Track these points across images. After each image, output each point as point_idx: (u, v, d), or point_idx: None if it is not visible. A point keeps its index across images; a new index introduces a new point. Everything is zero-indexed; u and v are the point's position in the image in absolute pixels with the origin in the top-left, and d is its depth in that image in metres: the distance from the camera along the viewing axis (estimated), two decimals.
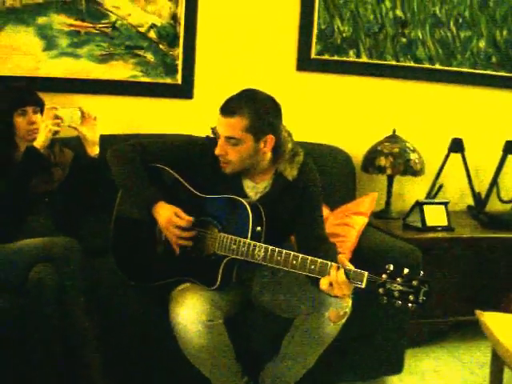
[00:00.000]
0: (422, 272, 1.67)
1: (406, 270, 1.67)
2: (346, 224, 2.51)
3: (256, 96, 1.95)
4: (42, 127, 2.12)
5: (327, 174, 2.76)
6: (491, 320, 2.13)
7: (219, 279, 1.93)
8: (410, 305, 1.65)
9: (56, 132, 2.14)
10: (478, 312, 2.18)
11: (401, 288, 1.66)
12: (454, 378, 2.61)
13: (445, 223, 2.83)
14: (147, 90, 2.77)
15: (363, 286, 1.70)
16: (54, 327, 1.88)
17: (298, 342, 2.00)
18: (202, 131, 2.39)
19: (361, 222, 2.55)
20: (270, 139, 1.96)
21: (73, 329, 1.92)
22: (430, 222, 2.80)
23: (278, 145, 2.01)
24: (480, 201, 3.20)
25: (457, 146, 3.14)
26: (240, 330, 2.08)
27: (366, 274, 1.70)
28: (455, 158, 3.16)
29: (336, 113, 3.09)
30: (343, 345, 2.10)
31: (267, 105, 1.95)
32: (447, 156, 3.14)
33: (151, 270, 2.08)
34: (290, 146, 2.07)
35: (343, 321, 1.96)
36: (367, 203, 2.64)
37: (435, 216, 2.82)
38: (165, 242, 2.02)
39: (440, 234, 2.78)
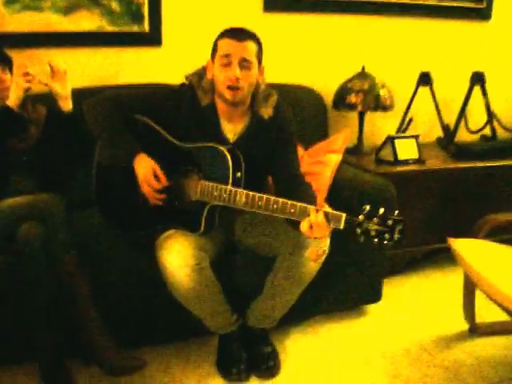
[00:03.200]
0: (396, 211, 1.75)
1: (381, 210, 1.74)
2: (321, 162, 2.57)
3: None
4: (13, 86, 2.11)
5: (299, 114, 2.80)
6: (462, 246, 2.24)
7: (203, 224, 1.99)
8: (385, 242, 1.74)
9: (28, 89, 2.13)
10: (449, 239, 2.29)
11: (377, 227, 1.73)
12: (429, 302, 2.76)
13: (416, 156, 2.91)
14: (114, 39, 2.74)
15: (341, 227, 1.78)
16: (45, 283, 1.93)
17: (281, 281, 2.09)
18: (173, 78, 2.44)
19: (335, 159, 2.60)
20: (263, 69, 2.05)
21: (64, 284, 1.98)
22: (401, 156, 2.88)
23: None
24: (449, 132, 3.28)
25: (425, 79, 3.18)
26: (226, 271, 2.16)
27: (344, 215, 1.77)
28: (424, 91, 3.21)
29: (305, 52, 3.10)
30: (323, 278, 2.19)
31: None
32: (416, 90, 3.19)
33: (135, 218, 2.13)
34: (263, 86, 2.10)
35: (322, 259, 2.05)
36: (340, 140, 2.70)
37: (406, 149, 2.90)
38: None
39: (411, 167, 2.86)
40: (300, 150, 2.65)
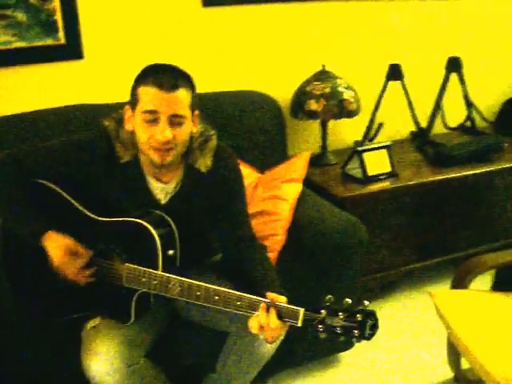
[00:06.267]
0: (366, 302, 1.42)
1: (347, 301, 1.42)
2: (277, 197, 2.19)
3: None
4: None
5: (251, 126, 2.43)
6: (442, 301, 1.91)
7: (133, 314, 1.63)
8: (354, 340, 1.42)
9: None
10: (430, 293, 1.96)
11: (343, 324, 1.41)
12: (409, 339, 2.45)
13: (388, 169, 2.54)
14: (25, 56, 2.27)
15: (299, 324, 1.44)
16: None
17: (233, 363, 1.76)
18: (97, 96, 2.19)
19: (294, 190, 2.23)
20: (196, 115, 1.64)
21: None
22: (371, 171, 2.50)
23: None
24: (423, 130, 2.92)
25: (395, 72, 2.76)
26: (170, 346, 1.83)
27: (302, 311, 1.43)
28: (393, 86, 2.80)
29: (254, 52, 2.65)
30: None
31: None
32: (385, 86, 2.78)
33: (52, 302, 1.73)
34: (199, 127, 1.70)
35: (281, 338, 1.69)
36: (300, 166, 2.32)
37: (377, 163, 2.52)
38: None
39: (383, 184, 2.49)
40: (253, 174, 2.29)
